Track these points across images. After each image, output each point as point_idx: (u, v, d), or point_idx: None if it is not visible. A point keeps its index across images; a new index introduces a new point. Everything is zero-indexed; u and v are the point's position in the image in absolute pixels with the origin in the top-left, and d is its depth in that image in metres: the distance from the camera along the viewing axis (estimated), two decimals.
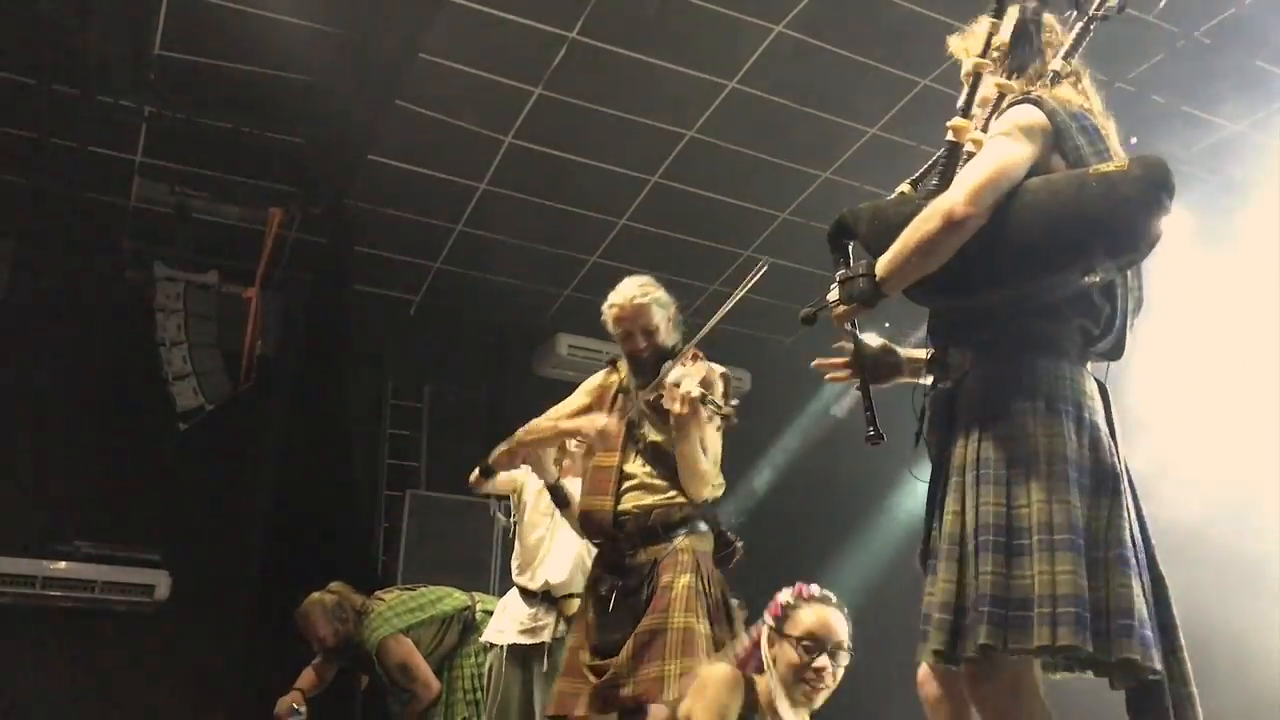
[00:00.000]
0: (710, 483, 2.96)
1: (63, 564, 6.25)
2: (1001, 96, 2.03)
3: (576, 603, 3.74)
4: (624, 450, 3.04)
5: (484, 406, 7.97)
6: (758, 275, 2.89)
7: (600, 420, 2.99)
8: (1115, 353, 1.99)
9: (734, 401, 2.81)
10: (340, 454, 6.71)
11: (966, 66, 2.06)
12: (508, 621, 3.94)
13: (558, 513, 3.92)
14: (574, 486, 3.66)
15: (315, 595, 4.41)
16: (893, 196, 2.14)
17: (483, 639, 4.09)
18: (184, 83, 5.58)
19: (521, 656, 3.84)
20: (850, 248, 2.04)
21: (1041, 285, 1.87)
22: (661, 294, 3.18)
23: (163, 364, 6.63)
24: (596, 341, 7.57)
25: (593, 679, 2.84)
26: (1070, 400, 1.84)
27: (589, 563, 3.85)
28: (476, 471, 3.91)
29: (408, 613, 4.36)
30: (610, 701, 2.82)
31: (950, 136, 1.97)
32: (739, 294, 2.90)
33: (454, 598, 4.49)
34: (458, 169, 6.35)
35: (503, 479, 3.95)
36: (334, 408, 6.76)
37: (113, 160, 6.12)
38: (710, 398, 2.73)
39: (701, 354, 3.08)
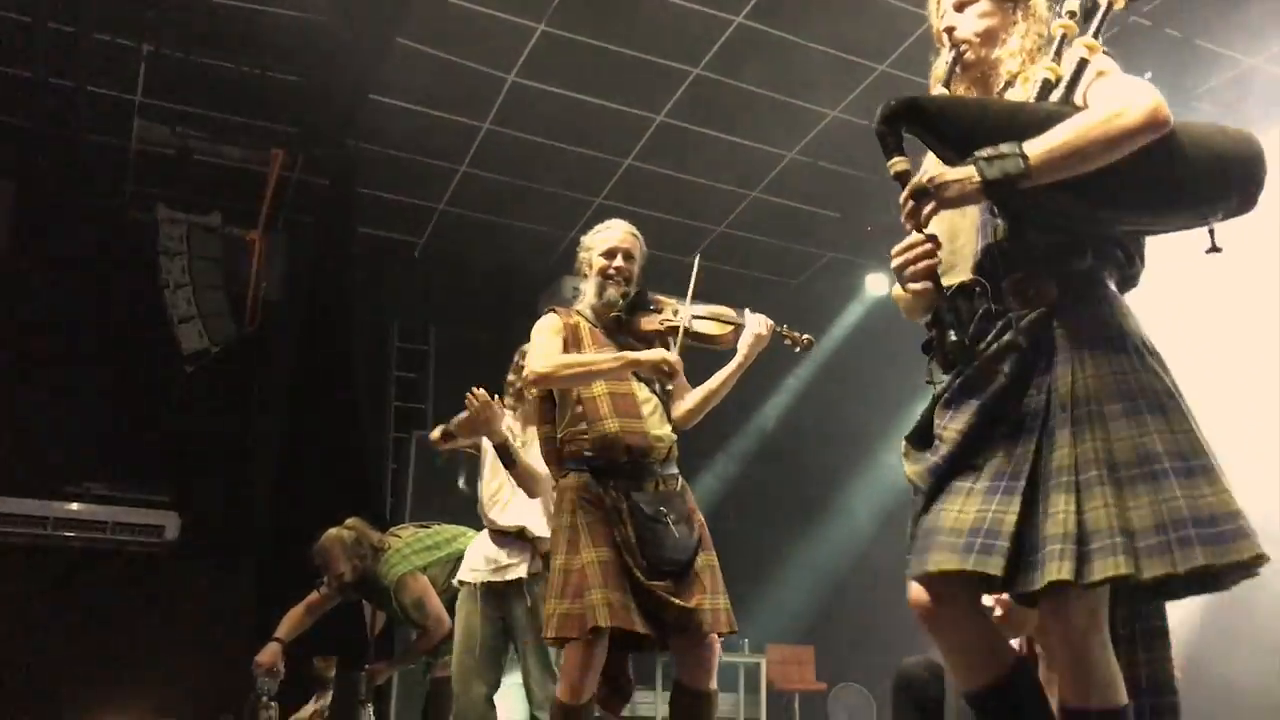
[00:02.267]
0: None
1: (74, 505, 6.32)
2: (1064, 36, 1.97)
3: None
4: (631, 379, 3.09)
5: (490, 349, 7.97)
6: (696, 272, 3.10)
7: (661, 353, 2.99)
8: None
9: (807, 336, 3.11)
10: (346, 396, 6.73)
11: (1005, 7, 2.04)
12: (480, 560, 3.90)
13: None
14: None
15: (333, 531, 4.44)
16: (969, 96, 2.04)
17: (456, 578, 4.04)
18: (182, 20, 5.50)
19: (498, 594, 3.82)
20: (902, 138, 1.89)
21: (1179, 216, 1.87)
22: (642, 241, 3.33)
23: (167, 307, 6.63)
24: None
25: (671, 599, 2.83)
26: (1148, 337, 1.88)
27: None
28: (439, 432, 4.03)
29: (425, 550, 4.40)
30: (672, 626, 2.85)
31: (1084, 54, 1.88)
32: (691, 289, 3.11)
33: (468, 536, 4.51)
34: (461, 109, 6.28)
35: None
36: (340, 350, 6.76)
37: (112, 100, 6.06)
38: (784, 326, 3.00)
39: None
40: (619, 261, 3.18)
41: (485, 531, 3.96)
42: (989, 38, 2.04)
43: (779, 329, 3.04)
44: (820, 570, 8.14)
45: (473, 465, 4.23)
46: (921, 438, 1.93)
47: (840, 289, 8.09)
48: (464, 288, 7.69)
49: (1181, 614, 1.90)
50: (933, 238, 1.86)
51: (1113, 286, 1.90)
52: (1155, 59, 5.35)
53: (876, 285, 7.73)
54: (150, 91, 6.03)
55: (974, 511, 1.78)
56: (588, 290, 3.22)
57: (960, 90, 2.07)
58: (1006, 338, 1.86)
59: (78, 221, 6.59)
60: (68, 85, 5.82)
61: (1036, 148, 1.74)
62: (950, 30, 2.07)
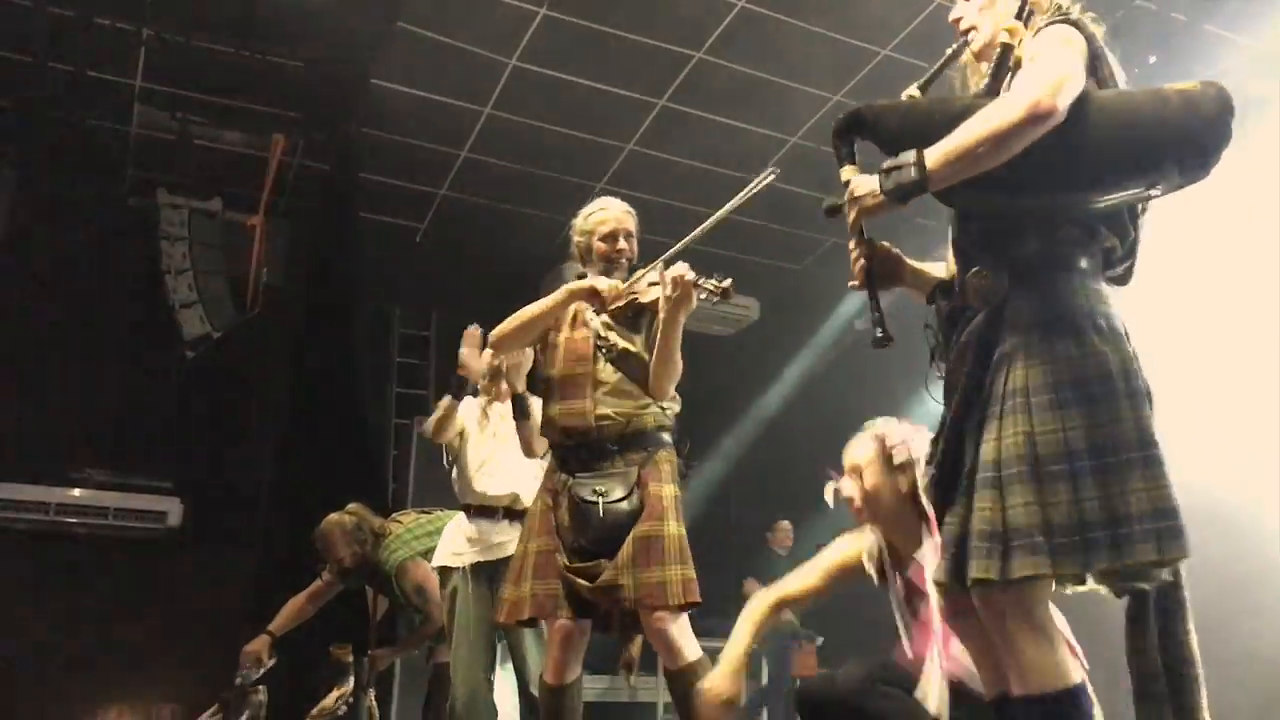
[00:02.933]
0: (675, 381, 2.99)
1: (76, 491, 6.33)
2: (1031, 12, 1.98)
3: None
4: (594, 359, 3.04)
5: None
6: (763, 183, 2.83)
7: (603, 283, 3.02)
8: (1125, 278, 1.97)
9: (726, 281, 2.77)
10: (348, 382, 6.72)
11: None
12: (463, 544, 3.90)
13: (498, 434, 3.93)
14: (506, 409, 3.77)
15: (334, 516, 4.44)
16: (909, 99, 2.07)
17: (435, 564, 4.06)
18: (183, 4, 5.47)
19: (488, 573, 3.82)
20: (856, 146, 2.00)
21: (1106, 192, 1.85)
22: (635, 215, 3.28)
23: (168, 292, 6.62)
24: None
25: (579, 582, 2.83)
26: (1116, 316, 1.86)
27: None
28: (449, 399, 3.97)
29: (425, 536, 4.40)
30: (601, 605, 2.85)
31: (1005, 39, 1.93)
32: (743, 196, 2.84)
33: None
34: (462, 93, 6.25)
35: (456, 420, 3.97)
36: (341, 335, 6.75)
37: (113, 85, 6.03)
38: (703, 279, 2.75)
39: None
40: (621, 243, 3.16)
41: (462, 514, 3.94)
42: (990, 22, 2.06)
43: (699, 281, 2.78)
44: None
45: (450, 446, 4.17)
46: (936, 437, 1.99)
47: (843, 274, 8.04)
48: (465, 273, 7.66)
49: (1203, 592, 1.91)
50: (866, 243, 2.01)
51: (1081, 266, 1.87)
52: (1160, 43, 5.32)
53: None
54: (151, 76, 6.00)
55: (949, 521, 1.86)
56: (590, 276, 3.17)
57: (975, 78, 2.11)
58: (963, 336, 1.91)
59: (78, 207, 6.58)
60: (68, 70, 5.79)
61: (934, 154, 1.80)
62: (957, 21, 2.12)
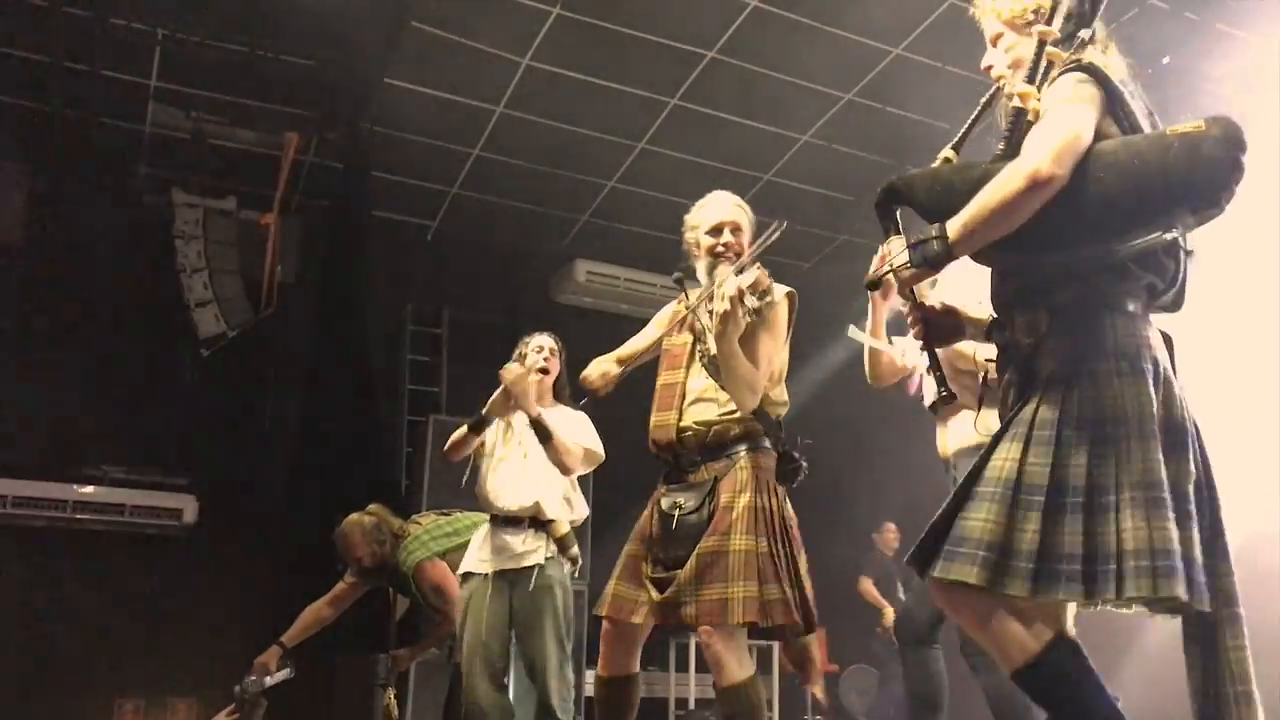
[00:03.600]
0: (758, 393, 2.85)
1: (92, 488, 6.37)
2: (1049, 64, 2.03)
3: (565, 526, 3.86)
4: (688, 366, 3.01)
5: (503, 332, 7.99)
6: (772, 237, 2.87)
7: (606, 367, 3.09)
8: (1176, 305, 2.05)
9: (770, 299, 2.75)
10: (362, 379, 6.76)
11: (1025, 32, 2.09)
12: (487, 551, 3.90)
13: (523, 443, 3.90)
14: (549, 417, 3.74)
15: (354, 516, 4.46)
16: (941, 163, 2.12)
17: (461, 570, 4.04)
18: (197, 4, 5.51)
19: (509, 580, 3.84)
20: (898, 214, 2.07)
21: (1123, 241, 1.91)
22: (750, 211, 3.22)
23: (184, 291, 6.66)
24: (615, 268, 7.55)
25: (653, 591, 2.84)
26: (1147, 358, 1.92)
27: (573, 492, 3.94)
28: (465, 429, 3.86)
29: (444, 537, 4.43)
30: (668, 617, 2.84)
31: (1017, 103, 1.99)
32: (756, 250, 2.90)
33: (486, 518, 4.56)
34: (474, 92, 6.28)
35: (470, 446, 3.94)
36: (354, 333, 6.79)
37: (127, 85, 6.08)
38: (748, 295, 2.68)
39: (761, 266, 3.01)
40: (726, 237, 3.07)
41: (489, 523, 3.95)
42: (1018, 66, 2.11)
43: (742, 295, 2.70)
44: (832, 553, 8.15)
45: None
46: None
47: (853, 272, 8.04)
48: (477, 271, 7.70)
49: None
50: (919, 306, 2.13)
51: (1124, 305, 1.94)
52: (1174, 43, 5.32)
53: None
54: (165, 76, 6.04)
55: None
56: (700, 270, 3.10)
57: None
58: (1005, 375, 2.04)
59: (94, 206, 6.63)
60: (83, 69, 5.84)
61: (954, 226, 1.91)
62: (989, 69, 2.18)
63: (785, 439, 2.95)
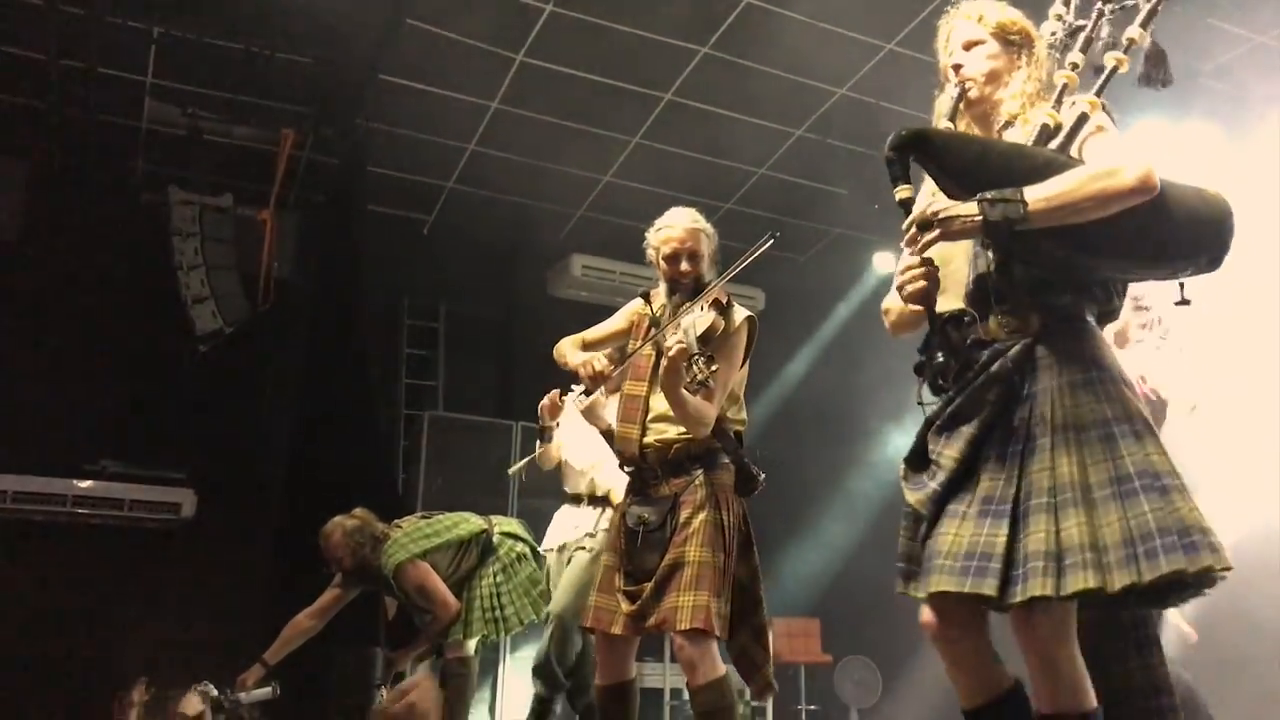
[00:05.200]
0: (708, 424, 2.95)
1: (91, 483, 6.40)
2: (1066, 85, 2.11)
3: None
4: (651, 382, 3.07)
5: (499, 327, 8.03)
6: (764, 246, 2.91)
7: (599, 364, 3.03)
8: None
9: (714, 370, 2.73)
10: (358, 374, 6.79)
11: (1010, 49, 2.18)
12: (570, 530, 4.38)
13: (573, 432, 4.35)
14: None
15: (338, 519, 4.52)
16: (973, 135, 2.17)
17: (544, 545, 4.49)
18: (192, 2, 5.53)
19: (572, 550, 4.34)
20: (909, 166, 2.03)
21: (1157, 269, 2.03)
22: (709, 227, 3.22)
23: (181, 287, 6.69)
24: (611, 262, 7.59)
25: (624, 603, 2.97)
26: (1120, 365, 2.03)
27: None
28: (539, 445, 4.29)
29: (423, 538, 4.48)
30: (638, 628, 2.98)
31: (1085, 109, 2.03)
32: (746, 260, 2.93)
33: (470, 523, 4.61)
34: (469, 88, 6.31)
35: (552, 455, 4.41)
36: (351, 328, 6.82)
37: (123, 82, 6.10)
38: (697, 357, 2.71)
39: (728, 297, 3.09)
40: (683, 265, 3.10)
41: (564, 507, 4.47)
42: (993, 78, 2.17)
43: (692, 357, 2.72)
44: (826, 542, 8.21)
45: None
46: (918, 460, 2.07)
47: (847, 266, 8.12)
48: (473, 265, 7.74)
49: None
50: (929, 262, 2.00)
51: (1091, 320, 2.04)
52: (1166, 37, 5.33)
53: (884, 263, 7.74)
54: (161, 73, 6.06)
55: (969, 535, 1.93)
56: (661, 287, 3.19)
57: (962, 126, 2.20)
58: (994, 368, 2.00)
59: (91, 202, 6.65)
60: (79, 66, 5.86)
61: (1036, 195, 1.88)
62: (958, 68, 2.19)
63: (744, 453, 3.08)
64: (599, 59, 6.07)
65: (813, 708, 8.15)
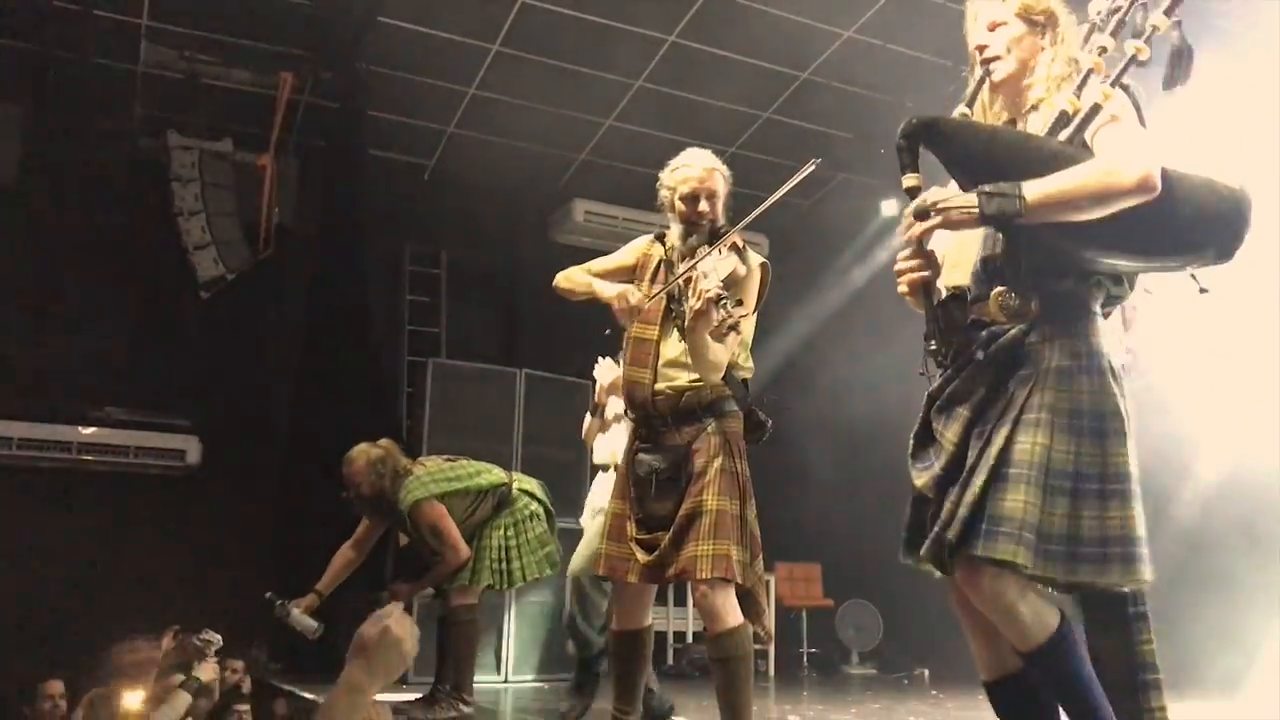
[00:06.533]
0: (722, 369, 2.92)
1: (95, 430, 6.43)
2: (1091, 70, 2.04)
3: None
4: (662, 325, 3.02)
5: (501, 273, 7.99)
6: (806, 172, 2.81)
7: (635, 296, 2.95)
8: (1105, 317, 2.16)
9: (744, 313, 2.75)
10: (361, 320, 6.78)
11: (1034, 30, 2.14)
12: (596, 492, 4.39)
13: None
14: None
15: (364, 445, 4.54)
16: (982, 123, 2.15)
17: (584, 514, 4.49)
18: None
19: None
20: (918, 153, 2.03)
21: (1166, 260, 2.02)
22: (725, 168, 3.15)
23: (182, 234, 6.66)
24: (614, 207, 7.53)
25: (639, 553, 2.95)
26: (1113, 358, 2.03)
27: None
28: (589, 419, 4.46)
29: (445, 480, 4.48)
30: (655, 578, 2.98)
31: (1098, 99, 1.99)
32: (788, 187, 2.81)
33: (492, 474, 4.61)
34: (469, 30, 6.22)
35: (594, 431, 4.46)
36: (353, 274, 6.80)
37: (119, 25, 6.02)
38: (725, 301, 2.67)
39: (744, 242, 3.02)
40: (701, 206, 3.04)
41: (600, 474, 4.46)
42: (1017, 60, 2.13)
43: (721, 300, 2.67)
44: (828, 489, 8.25)
45: None
46: (923, 435, 2.12)
47: (853, 211, 8.05)
48: (475, 211, 7.68)
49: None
50: (928, 254, 2.05)
51: (1095, 307, 2.04)
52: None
53: (891, 209, 7.67)
54: (157, 15, 5.98)
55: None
56: (673, 229, 3.10)
57: (994, 109, 2.19)
58: (989, 352, 2.03)
59: (89, 147, 6.58)
60: (74, 9, 5.77)
61: (1034, 191, 1.89)
62: (981, 49, 2.16)
63: (751, 399, 3.06)
64: (601, 0, 5.97)
65: (814, 651, 8.25)
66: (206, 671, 3.96)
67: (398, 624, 1.62)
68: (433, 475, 4.47)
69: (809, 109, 6.98)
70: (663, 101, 6.83)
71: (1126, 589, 1.97)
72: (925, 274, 2.04)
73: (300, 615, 4.43)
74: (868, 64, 6.35)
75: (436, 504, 4.38)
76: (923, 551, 1.99)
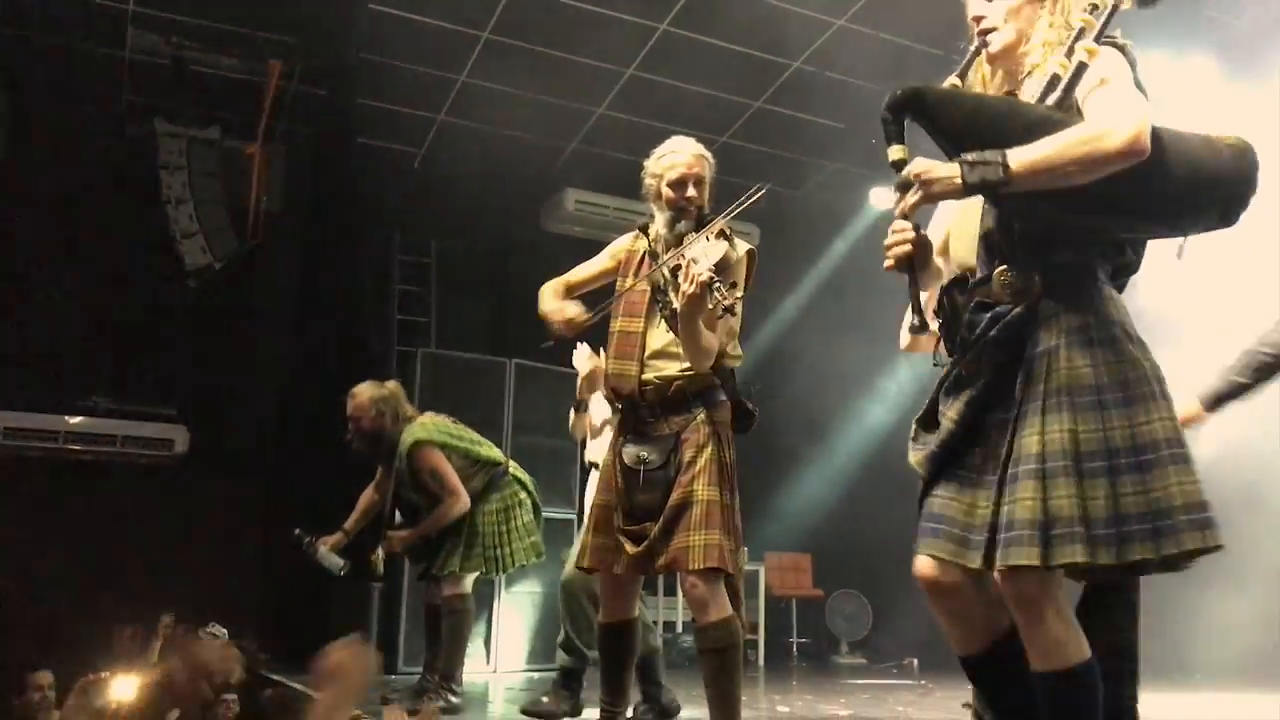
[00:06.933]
0: (714, 357, 2.90)
1: (82, 419, 6.39)
2: (1083, 30, 1.98)
3: None
4: (648, 316, 3.00)
5: (492, 262, 7.97)
6: (752, 199, 2.81)
7: (571, 311, 2.98)
8: (1120, 290, 2.10)
9: (739, 295, 2.72)
10: (350, 309, 6.75)
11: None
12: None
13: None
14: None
15: (371, 382, 4.59)
16: (968, 92, 2.10)
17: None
18: None
19: None
20: (904, 125, 1.99)
21: (1161, 226, 1.97)
22: (710, 156, 3.13)
23: (169, 222, 6.62)
24: (604, 196, 7.50)
25: (627, 544, 2.93)
26: (1133, 326, 1.97)
27: None
28: (574, 414, 4.33)
29: (448, 434, 4.49)
30: (645, 569, 2.96)
31: (1083, 58, 1.94)
32: (739, 206, 2.83)
33: (492, 450, 4.61)
34: (460, 18, 6.17)
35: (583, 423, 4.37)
36: (342, 263, 6.76)
37: (104, 9, 5.96)
38: (719, 284, 2.64)
39: (731, 229, 3.01)
40: (690, 191, 3.01)
41: (594, 470, 4.30)
42: (1015, 29, 2.08)
43: (714, 284, 2.65)
44: (819, 480, 8.26)
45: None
46: (928, 421, 2.05)
47: (843, 201, 8.04)
48: (465, 200, 7.63)
49: None
50: (916, 228, 1.98)
51: (1101, 276, 1.98)
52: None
53: (880, 199, 7.66)
54: (144, 0, 5.92)
55: (967, 503, 1.95)
56: (658, 219, 3.07)
57: (994, 80, 2.14)
58: (993, 333, 1.97)
59: (76, 134, 6.54)
60: None
61: (1019, 158, 1.83)
62: (978, 20, 2.11)
63: (739, 389, 3.06)
64: None
65: (804, 640, 8.27)
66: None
67: (359, 650, 1.67)
68: (437, 425, 4.48)
69: (800, 98, 6.96)
70: (654, 90, 6.80)
71: (1187, 561, 1.85)
72: (907, 248, 1.97)
73: (327, 552, 4.50)
74: (859, 53, 6.33)
75: (438, 449, 4.37)
76: (973, 560, 1.90)
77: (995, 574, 1.91)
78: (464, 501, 4.32)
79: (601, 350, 3.28)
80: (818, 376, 8.12)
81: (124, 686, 4.21)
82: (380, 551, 4.54)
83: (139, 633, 5.48)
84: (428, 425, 4.44)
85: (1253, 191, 1.91)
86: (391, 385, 4.60)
